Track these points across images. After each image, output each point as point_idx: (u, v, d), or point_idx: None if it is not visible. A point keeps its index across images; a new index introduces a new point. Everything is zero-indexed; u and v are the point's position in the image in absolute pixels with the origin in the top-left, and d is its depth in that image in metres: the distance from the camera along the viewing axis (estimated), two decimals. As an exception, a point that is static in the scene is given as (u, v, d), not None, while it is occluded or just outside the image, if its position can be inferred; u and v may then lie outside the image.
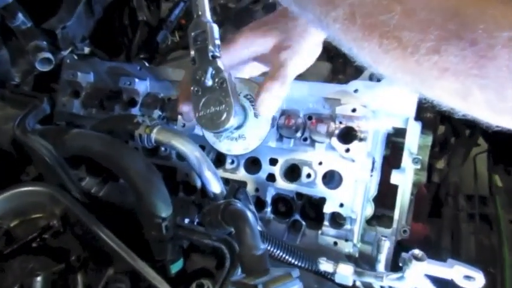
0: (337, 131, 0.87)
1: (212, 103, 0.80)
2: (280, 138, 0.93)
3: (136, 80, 1.06)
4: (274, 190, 0.95)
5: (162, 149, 1.02)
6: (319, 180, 0.89)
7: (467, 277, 0.62)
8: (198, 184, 0.98)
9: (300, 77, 0.93)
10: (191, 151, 0.83)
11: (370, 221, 0.91)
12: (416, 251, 0.65)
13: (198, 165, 0.83)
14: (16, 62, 1.17)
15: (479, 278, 0.62)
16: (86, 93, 1.14)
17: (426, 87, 0.48)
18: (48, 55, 1.01)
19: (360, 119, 0.85)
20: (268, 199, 0.95)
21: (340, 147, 0.86)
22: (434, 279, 0.67)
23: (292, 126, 0.90)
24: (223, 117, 0.79)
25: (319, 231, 0.90)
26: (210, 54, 0.78)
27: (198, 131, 0.98)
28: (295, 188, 0.92)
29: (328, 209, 0.88)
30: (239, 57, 0.86)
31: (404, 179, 0.86)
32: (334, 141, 0.86)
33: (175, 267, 0.78)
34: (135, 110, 1.07)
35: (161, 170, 0.86)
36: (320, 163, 0.89)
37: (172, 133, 0.85)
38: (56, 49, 1.09)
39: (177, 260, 0.79)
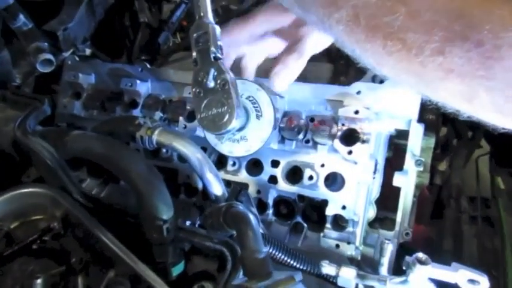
0: (339, 133, 0.86)
1: (214, 105, 0.80)
2: (282, 140, 0.92)
3: (138, 81, 1.06)
4: (276, 192, 0.94)
5: (164, 150, 1.02)
6: (321, 183, 0.89)
7: (472, 281, 0.62)
8: (200, 186, 0.98)
9: (302, 79, 0.93)
10: (193, 153, 0.82)
11: (372, 224, 0.91)
12: (420, 255, 0.64)
13: (200, 167, 0.82)
14: (17, 63, 1.16)
15: (484, 282, 0.62)
16: (87, 94, 1.14)
17: (431, 89, 0.47)
18: (49, 56, 1.01)
19: (363, 121, 0.85)
20: (270, 201, 0.94)
21: (343, 149, 0.85)
22: (438, 283, 0.66)
23: (294, 128, 0.89)
24: (225, 119, 0.79)
25: (321, 234, 0.89)
26: (212, 55, 0.78)
27: (200, 132, 0.97)
28: (297, 190, 0.91)
29: (330, 211, 0.87)
30: (258, 32, 0.86)
31: (406, 181, 0.86)
32: (337, 143, 0.86)
33: (176, 270, 0.78)
34: (136, 112, 1.07)
35: (162, 172, 0.85)
36: (322, 165, 0.89)
37: (173, 135, 0.85)
38: (57, 50, 1.08)
39: (178, 262, 0.78)
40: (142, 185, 0.78)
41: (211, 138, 0.94)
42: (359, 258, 0.87)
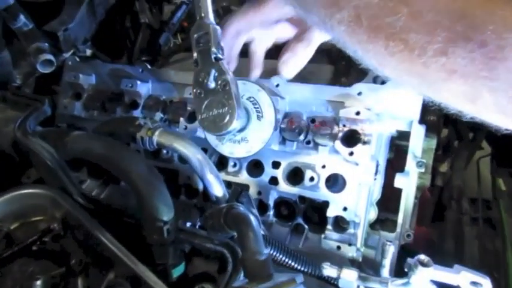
0: (340, 134, 0.86)
1: (215, 105, 0.79)
2: (283, 141, 0.92)
3: (138, 82, 1.06)
4: (277, 193, 0.94)
5: (164, 151, 1.02)
6: (322, 184, 0.88)
7: (474, 283, 0.61)
8: (200, 187, 0.98)
9: (303, 80, 0.92)
10: (193, 154, 0.82)
11: (373, 225, 0.90)
12: (422, 257, 0.64)
13: (200, 168, 0.82)
14: (18, 64, 1.16)
15: (487, 284, 0.61)
16: (88, 95, 1.14)
17: (433, 90, 0.47)
18: (50, 57, 1.01)
19: (364, 122, 0.85)
20: (271, 202, 0.94)
21: (344, 150, 0.85)
22: (440, 285, 0.66)
23: (295, 129, 0.89)
24: (226, 120, 0.79)
25: (322, 235, 0.89)
26: (213, 56, 0.78)
27: (201, 133, 0.97)
28: (298, 191, 0.91)
29: (331, 212, 0.87)
30: (269, 17, 0.87)
31: (408, 183, 0.85)
32: (338, 144, 0.86)
33: (176, 272, 0.77)
34: (136, 112, 1.07)
35: (163, 173, 0.85)
36: (323, 166, 0.89)
37: (174, 135, 0.85)
38: (58, 51, 1.08)
39: (179, 264, 0.78)
40: (142, 186, 0.78)
41: (212, 139, 0.94)
42: (360, 260, 0.86)
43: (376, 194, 0.89)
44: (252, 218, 0.70)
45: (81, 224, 0.78)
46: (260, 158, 0.94)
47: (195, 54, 0.80)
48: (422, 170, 0.85)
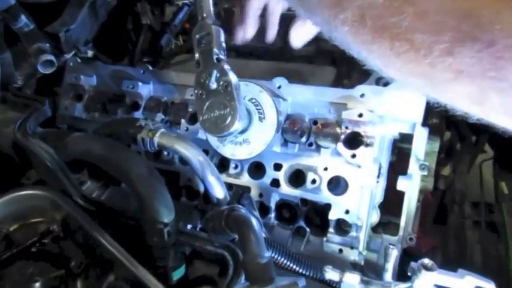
0: (343, 136, 0.85)
1: (216, 106, 0.79)
2: (285, 143, 0.92)
3: (140, 83, 1.06)
4: (279, 196, 0.93)
5: (165, 153, 1.01)
6: (324, 186, 0.88)
7: (479, 288, 0.60)
8: (201, 189, 0.97)
9: (305, 82, 0.92)
10: (194, 155, 0.82)
11: (375, 228, 0.89)
12: (426, 261, 0.63)
13: (201, 170, 0.81)
14: (19, 65, 1.16)
15: (491, 289, 0.60)
16: (89, 96, 1.13)
17: (439, 91, 0.46)
18: (50, 57, 1.00)
19: (367, 124, 0.84)
20: (272, 205, 0.93)
21: (346, 152, 0.84)
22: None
23: (297, 131, 0.88)
24: (227, 121, 0.78)
25: (324, 238, 0.88)
26: (215, 56, 0.77)
27: (202, 135, 0.97)
28: (299, 193, 0.90)
29: (333, 215, 0.86)
30: None
31: (411, 186, 0.84)
32: (340, 146, 0.85)
33: (177, 274, 0.77)
34: (138, 114, 1.06)
35: (164, 175, 0.85)
36: (325, 169, 0.88)
37: (175, 137, 0.84)
38: (59, 52, 1.08)
39: (179, 266, 0.77)
40: (143, 187, 0.77)
41: (213, 140, 0.93)
42: (362, 263, 0.86)
43: (379, 197, 0.88)
44: (254, 220, 0.69)
45: (81, 225, 0.77)
46: (262, 160, 0.93)
47: (196, 55, 0.80)
48: (425, 173, 0.85)
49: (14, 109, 0.93)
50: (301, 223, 0.93)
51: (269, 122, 0.88)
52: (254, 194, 0.93)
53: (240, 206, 0.76)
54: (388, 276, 0.71)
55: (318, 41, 1.03)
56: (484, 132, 1.43)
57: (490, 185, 1.52)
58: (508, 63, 0.38)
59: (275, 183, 0.92)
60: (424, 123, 0.85)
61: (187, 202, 1.00)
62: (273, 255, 0.77)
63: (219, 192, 0.82)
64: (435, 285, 0.63)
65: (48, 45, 1.01)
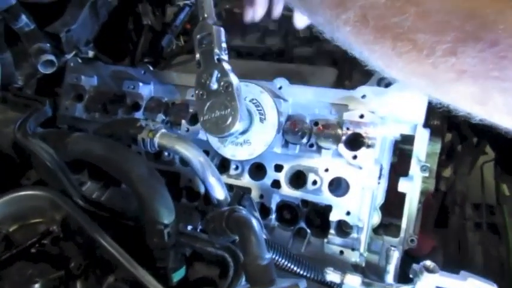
0: (344, 137, 0.85)
1: (217, 107, 0.79)
2: (286, 144, 0.91)
3: (140, 84, 1.06)
4: (279, 197, 0.93)
5: (166, 153, 1.01)
6: (325, 188, 0.87)
7: (481, 290, 0.60)
8: (202, 190, 0.97)
9: (306, 82, 0.92)
10: (195, 156, 0.81)
11: (376, 230, 0.89)
12: (428, 262, 0.62)
13: (202, 171, 0.81)
14: (20, 65, 1.16)
15: (494, 291, 0.60)
16: (89, 96, 1.13)
17: (441, 92, 0.46)
18: (51, 57, 1.00)
19: (368, 125, 0.84)
20: (273, 206, 0.93)
21: (347, 153, 0.84)
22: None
23: (298, 132, 0.88)
24: (228, 122, 0.78)
25: (325, 240, 0.88)
26: (216, 57, 0.77)
27: (202, 135, 0.96)
28: (300, 195, 0.90)
29: (334, 217, 0.86)
30: None
31: (412, 187, 0.84)
32: (341, 147, 0.85)
33: (177, 276, 0.76)
34: (138, 114, 1.06)
35: (164, 176, 0.84)
36: (326, 170, 0.88)
37: (175, 137, 0.84)
38: (60, 52, 1.08)
39: (179, 268, 0.77)
40: (143, 188, 0.77)
41: (214, 141, 0.93)
42: (363, 265, 0.85)
43: (380, 199, 0.87)
44: (254, 221, 0.69)
45: (81, 226, 0.77)
46: (262, 161, 0.93)
47: (197, 55, 0.79)
48: (427, 175, 0.84)
49: (14, 109, 0.93)
50: (302, 224, 0.93)
51: (270, 122, 0.88)
52: (255, 195, 0.93)
53: (241, 207, 0.76)
54: (389, 278, 0.71)
55: (319, 41, 1.03)
56: (485, 133, 1.42)
57: (491, 187, 1.52)
58: (511, 63, 0.38)
59: (276, 184, 0.92)
60: (426, 125, 0.85)
61: (188, 203, 1.00)
62: (273, 256, 0.76)
63: (219, 193, 0.81)
64: (437, 287, 0.63)
65: (48, 45, 1.01)
